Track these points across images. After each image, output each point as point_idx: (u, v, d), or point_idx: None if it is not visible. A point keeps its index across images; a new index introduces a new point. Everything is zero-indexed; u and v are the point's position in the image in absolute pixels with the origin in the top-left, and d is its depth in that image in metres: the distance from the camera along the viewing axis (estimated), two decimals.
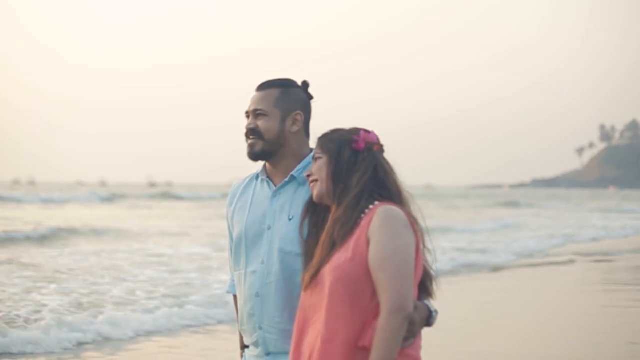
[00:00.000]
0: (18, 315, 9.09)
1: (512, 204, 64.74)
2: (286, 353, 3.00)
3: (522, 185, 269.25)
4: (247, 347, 3.20)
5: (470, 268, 16.58)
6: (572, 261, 18.16)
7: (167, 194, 65.06)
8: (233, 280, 3.30)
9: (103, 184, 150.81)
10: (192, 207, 46.77)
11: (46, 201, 45.95)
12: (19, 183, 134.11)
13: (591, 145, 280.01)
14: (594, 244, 24.21)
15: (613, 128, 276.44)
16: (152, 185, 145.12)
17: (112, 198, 53.95)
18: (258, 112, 3.12)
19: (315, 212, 2.89)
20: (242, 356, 3.26)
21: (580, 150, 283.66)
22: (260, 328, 3.08)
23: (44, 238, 21.21)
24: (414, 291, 2.64)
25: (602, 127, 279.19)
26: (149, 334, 8.95)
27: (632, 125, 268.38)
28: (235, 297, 3.29)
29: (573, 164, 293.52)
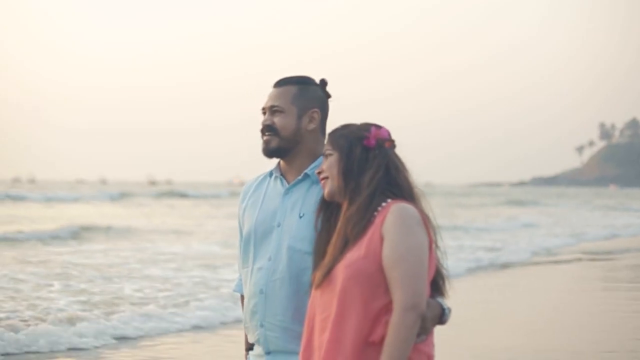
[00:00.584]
0: (36, 315, 9.11)
1: (517, 203, 64.65)
2: (287, 352, 2.98)
3: (522, 184, 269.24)
4: (252, 347, 3.15)
5: (482, 267, 16.41)
6: (584, 260, 18.18)
7: (177, 193, 65.21)
8: (241, 279, 3.25)
9: (103, 182, 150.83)
10: (202, 205, 47.02)
11: (54, 200, 45.96)
12: (19, 181, 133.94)
13: (591, 143, 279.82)
14: (605, 242, 24.23)
15: (613, 126, 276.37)
16: (152, 183, 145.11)
17: (121, 196, 54.16)
18: (275, 108, 3.08)
19: (327, 209, 2.86)
20: (246, 357, 3.21)
21: (580, 149, 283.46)
22: (262, 326, 3.03)
23: (71, 237, 21.35)
24: (427, 289, 2.63)
25: (602, 126, 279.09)
26: (161, 333, 8.93)
27: (632, 124, 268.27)
28: (242, 296, 3.24)
29: (573, 162, 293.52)
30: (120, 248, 18.37)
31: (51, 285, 11.65)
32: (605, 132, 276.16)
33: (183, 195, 61.84)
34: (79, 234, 22.13)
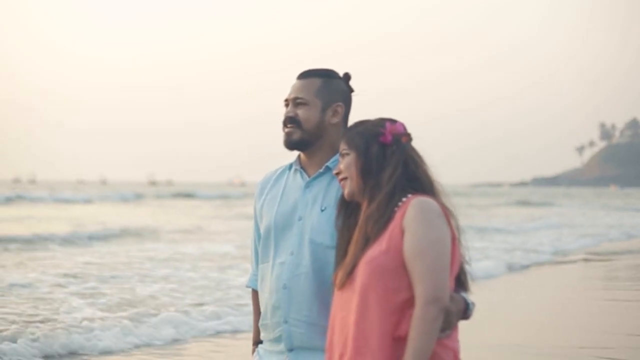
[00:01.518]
0: (55, 318, 9.04)
1: (525, 203, 64.48)
2: (312, 349, 2.92)
3: (522, 184, 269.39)
4: (261, 342, 3.11)
5: (502, 267, 16.09)
6: (611, 260, 18.13)
7: (188, 194, 65.58)
8: (255, 275, 3.19)
9: (103, 182, 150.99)
10: (214, 206, 47.30)
11: (62, 200, 45.94)
12: (19, 181, 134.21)
13: (591, 143, 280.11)
14: (624, 242, 24.15)
15: (613, 126, 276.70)
16: (153, 183, 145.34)
17: (136, 198, 54.48)
18: (298, 100, 3.02)
19: (346, 208, 2.81)
20: (254, 352, 3.16)
21: (580, 149, 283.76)
22: (286, 322, 2.96)
23: (112, 238, 21.45)
24: (450, 283, 2.59)
25: (602, 126, 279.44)
26: (181, 335, 8.84)
27: (632, 124, 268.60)
28: (253, 291, 3.21)
29: (573, 162, 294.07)
30: (146, 249, 18.42)
31: (70, 287, 11.60)
32: (606, 132, 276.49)
33: (192, 196, 62.37)
34: (118, 235, 22.28)
